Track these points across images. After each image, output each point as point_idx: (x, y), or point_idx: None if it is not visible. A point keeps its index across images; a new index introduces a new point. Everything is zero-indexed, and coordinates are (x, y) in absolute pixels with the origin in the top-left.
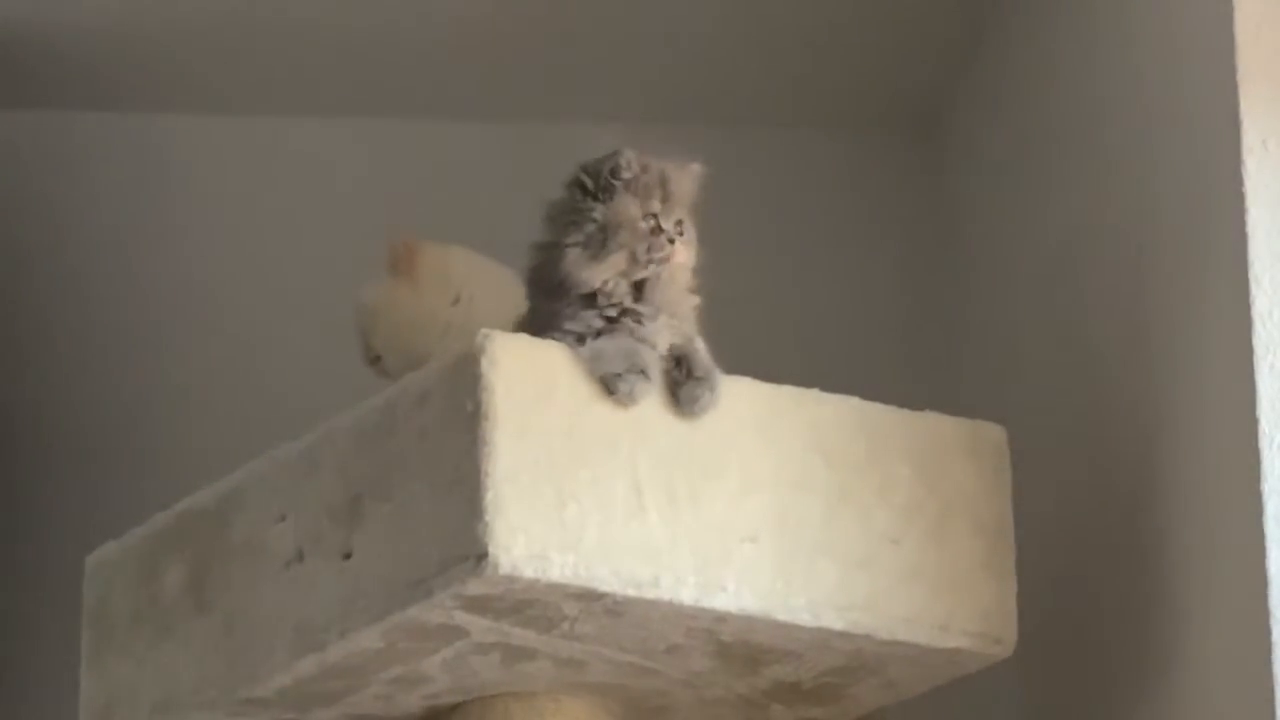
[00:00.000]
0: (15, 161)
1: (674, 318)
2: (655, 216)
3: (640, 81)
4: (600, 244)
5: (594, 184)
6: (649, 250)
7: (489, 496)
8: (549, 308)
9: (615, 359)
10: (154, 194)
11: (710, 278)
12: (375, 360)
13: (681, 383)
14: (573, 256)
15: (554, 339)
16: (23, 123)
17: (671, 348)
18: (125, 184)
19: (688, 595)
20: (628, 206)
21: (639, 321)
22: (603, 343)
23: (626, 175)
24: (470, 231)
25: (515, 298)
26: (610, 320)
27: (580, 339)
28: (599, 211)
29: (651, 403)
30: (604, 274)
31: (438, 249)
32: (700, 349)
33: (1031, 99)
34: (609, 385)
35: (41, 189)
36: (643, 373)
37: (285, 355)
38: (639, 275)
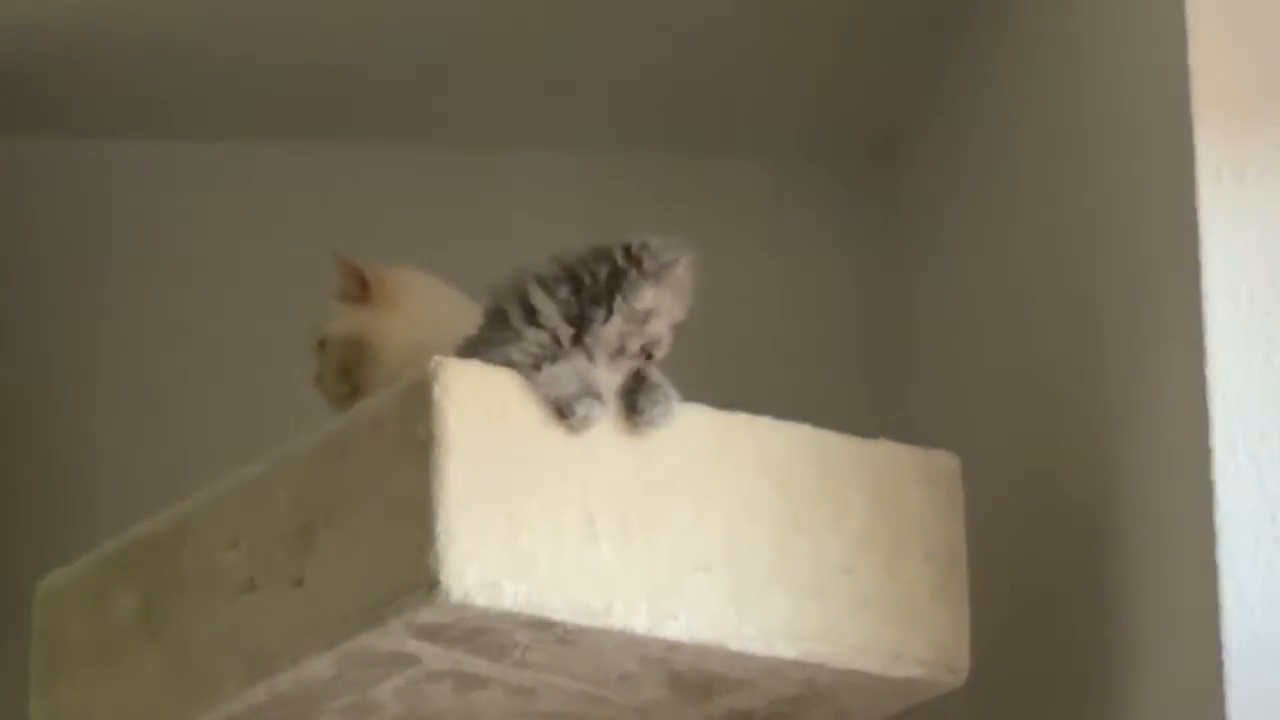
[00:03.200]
0: None
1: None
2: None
3: (596, 110)
4: (640, 324)
5: (651, 264)
6: (648, 351)
7: (441, 524)
8: (497, 334)
9: (568, 382)
10: (116, 221)
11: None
12: (352, 394)
13: (637, 392)
14: (616, 325)
15: (503, 364)
16: None
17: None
18: (81, 211)
19: (640, 624)
20: (671, 302)
21: (590, 352)
22: (557, 367)
23: (682, 277)
24: (432, 261)
25: (471, 319)
26: (560, 346)
27: (535, 365)
28: (650, 295)
29: (604, 430)
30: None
31: (412, 274)
32: (652, 369)
33: (988, 127)
34: (563, 409)
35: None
36: (597, 397)
37: (237, 382)
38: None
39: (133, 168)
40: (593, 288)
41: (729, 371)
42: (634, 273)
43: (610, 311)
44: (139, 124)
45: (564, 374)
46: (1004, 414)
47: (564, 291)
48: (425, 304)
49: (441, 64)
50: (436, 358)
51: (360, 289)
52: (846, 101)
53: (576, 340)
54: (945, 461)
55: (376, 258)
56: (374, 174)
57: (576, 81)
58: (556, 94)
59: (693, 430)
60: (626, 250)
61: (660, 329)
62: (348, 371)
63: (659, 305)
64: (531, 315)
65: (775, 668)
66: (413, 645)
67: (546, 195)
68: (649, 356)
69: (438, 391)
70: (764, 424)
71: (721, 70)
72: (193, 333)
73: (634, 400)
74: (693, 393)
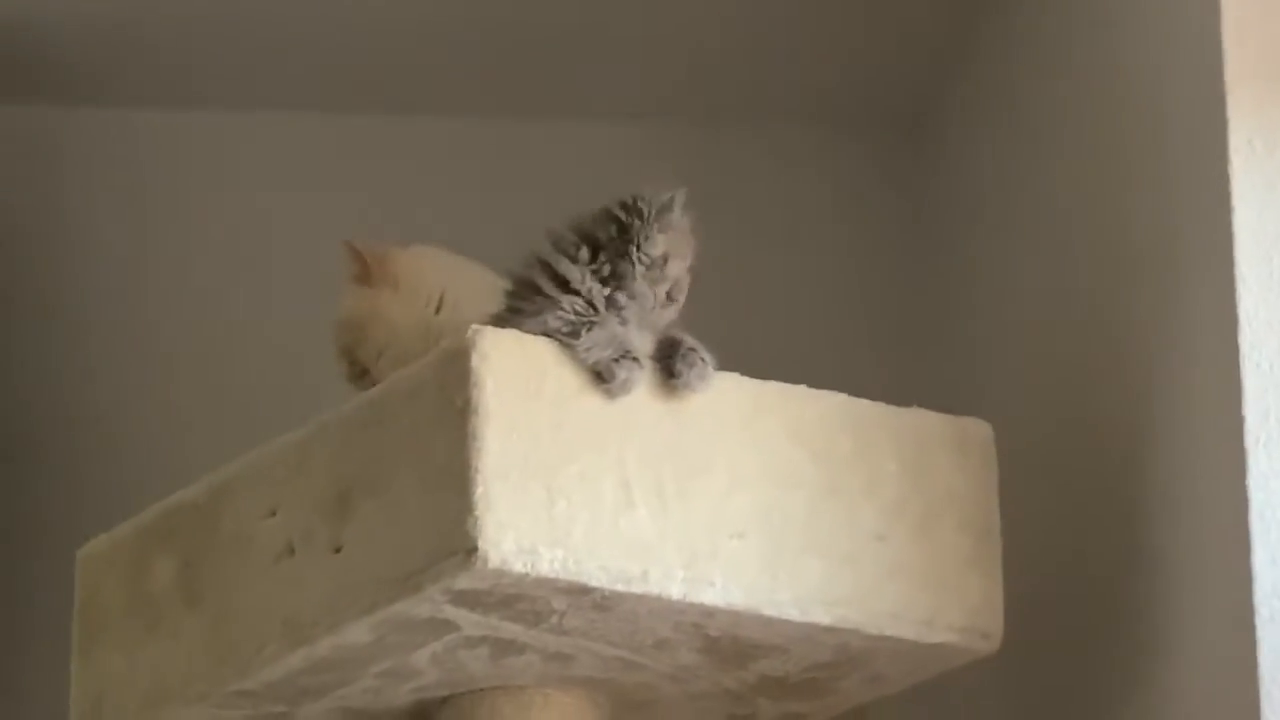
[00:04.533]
0: (5, 157)
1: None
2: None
3: (624, 80)
4: (660, 269)
5: (651, 212)
6: (679, 291)
7: (479, 492)
8: (529, 304)
9: (605, 346)
10: (149, 189)
11: (696, 275)
12: (362, 374)
13: (672, 356)
14: (639, 271)
15: (540, 333)
16: (12, 118)
17: (658, 336)
18: (115, 180)
19: (676, 590)
20: (681, 243)
21: (623, 317)
22: (594, 333)
23: (679, 214)
24: (460, 230)
25: (495, 293)
26: (595, 310)
27: (572, 332)
28: (661, 239)
29: (640, 398)
30: (654, 304)
31: (412, 252)
32: (686, 334)
33: (1018, 98)
34: (602, 374)
35: (33, 185)
36: (635, 360)
37: (278, 350)
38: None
39: (170, 136)
40: (610, 246)
41: (763, 341)
42: (638, 222)
43: (634, 264)
44: (171, 93)
45: (601, 338)
46: (1036, 381)
47: (586, 254)
48: (430, 281)
49: (469, 34)
50: (474, 326)
51: (364, 271)
52: (877, 68)
53: (610, 303)
54: (978, 429)
55: (405, 227)
56: (402, 144)
57: (602, 50)
58: (581, 62)
59: (727, 399)
60: (625, 205)
61: (678, 271)
62: (350, 352)
63: (671, 248)
64: (563, 282)
65: (809, 634)
66: (450, 611)
67: (570, 164)
68: (671, 300)
69: (475, 360)
70: (798, 392)
71: (750, 37)
72: (229, 301)
73: (670, 364)
74: (726, 362)
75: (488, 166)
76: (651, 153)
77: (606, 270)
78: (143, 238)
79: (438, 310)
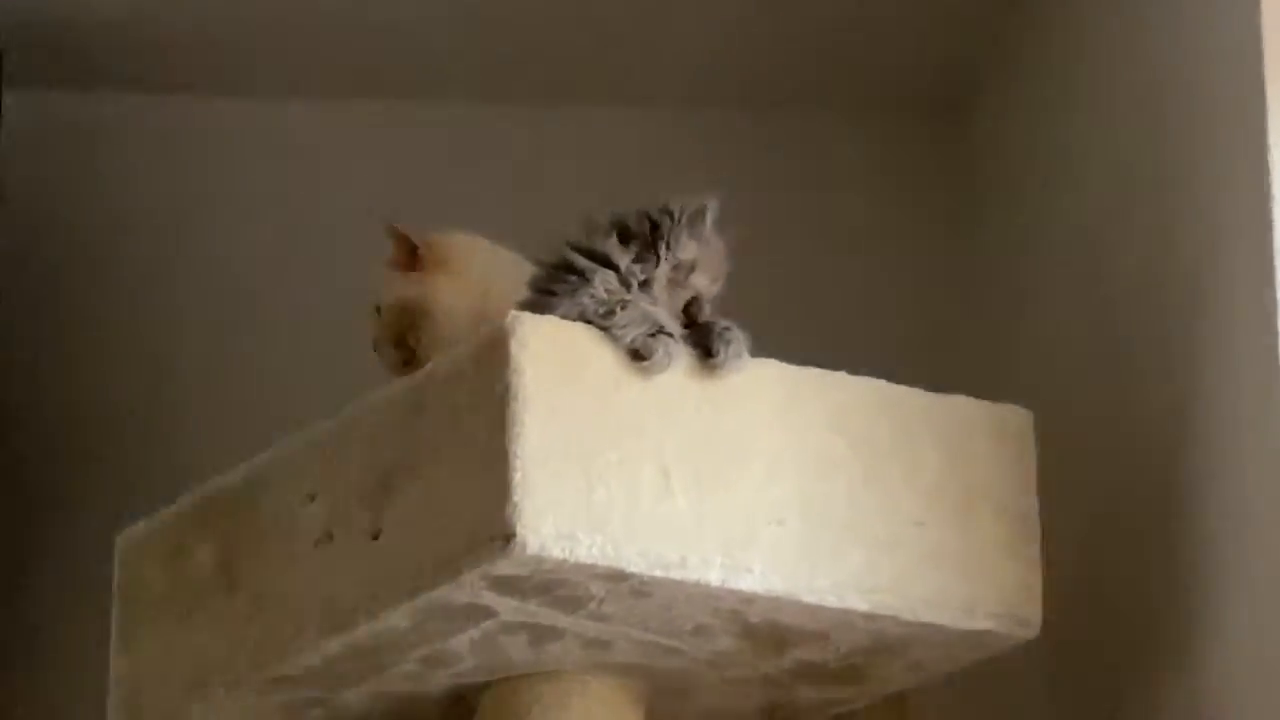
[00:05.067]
0: (37, 143)
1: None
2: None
3: (663, 65)
4: (685, 274)
5: (684, 217)
6: (701, 306)
7: (517, 477)
8: (562, 286)
9: (641, 323)
10: (179, 175)
11: (734, 261)
12: (408, 361)
13: (707, 337)
14: (664, 270)
15: (576, 315)
16: (45, 104)
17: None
18: (146, 167)
19: (714, 576)
20: (709, 255)
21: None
22: (629, 311)
23: (710, 225)
24: (494, 218)
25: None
26: (628, 290)
27: (608, 311)
28: (690, 246)
29: (678, 384)
30: (673, 309)
31: (460, 239)
32: (716, 316)
33: (1059, 80)
34: (640, 350)
35: (66, 170)
36: (672, 336)
37: (316, 336)
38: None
39: (207, 123)
40: (639, 239)
41: (801, 327)
42: (669, 223)
43: (659, 259)
44: (213, 82)
45: (635, 316)
46: (1078, 368)
47: (617, 239)
48: (477, 268)
49: (496, 19)
50: (513, 312)
51: (410, 257)
52: (915, 52)
53: (644, 285)
54: (1018, 417)
55: (441, 215)
56: (437, 130)
57: (642, 35)
58: (621, 47)
59: (766, 385)
60: (660, 206)
61: (702, 284)
62: (402, 338)
63: (699, 259)
64: (597, 260)
65: (847, 620)
66: (489, 597)
67: (612, 150)
68: (690, 315)
69: (514, 346)
70: (836, 379)
71: (790, 22)
72: (269, 286)
73: (706, 344)
74: (764, 348)
75: (514, 154)
76: (682, 140)
77: (635, 256)
78: (172, 225)
79: (482, 295)
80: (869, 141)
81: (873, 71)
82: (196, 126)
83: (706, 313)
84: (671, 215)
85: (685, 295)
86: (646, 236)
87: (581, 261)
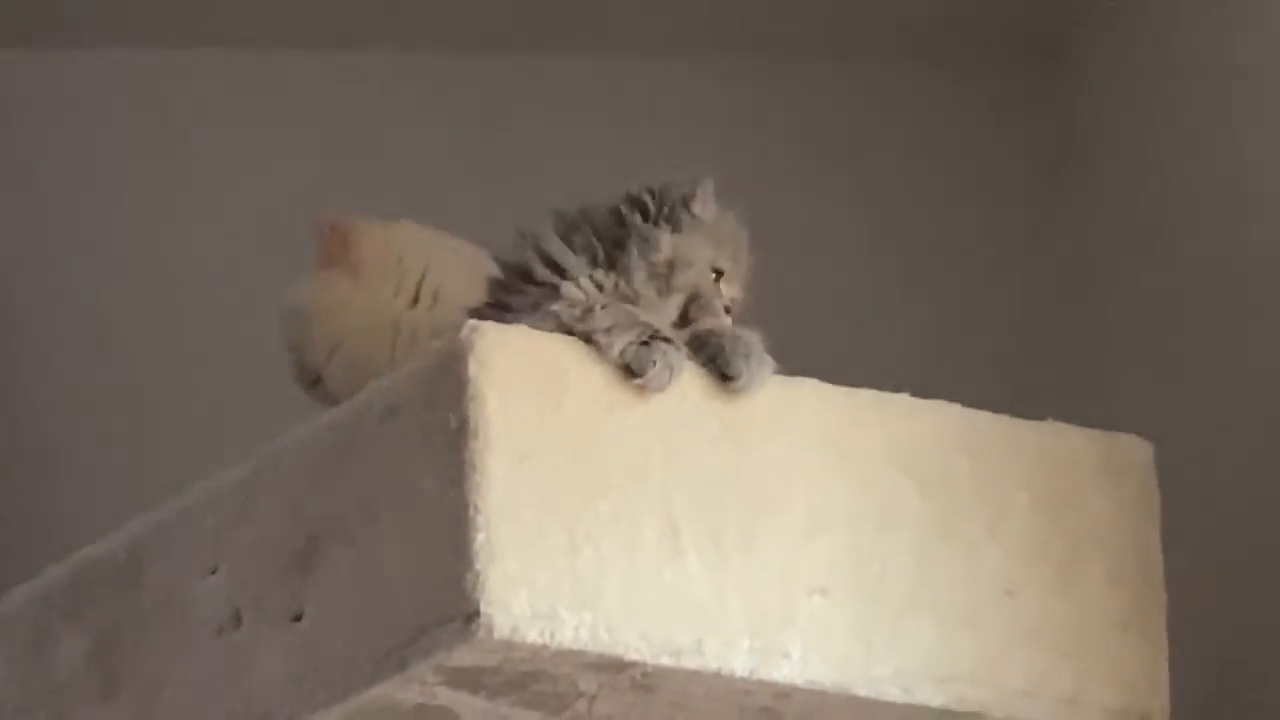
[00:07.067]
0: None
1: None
2: (721, 273)
3: (749, 10)
4: (665, 278)
5: (659, 209)
6: (705, 307)
7: (480, 539)
8: (518, 298)
9: (627, 328)
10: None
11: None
12: (315, 382)
13: (717, 352)
14: (640, 279)
15: (545, 325)
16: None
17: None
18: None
19: (740, 664)
20: (700, 247)
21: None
22: (608, 311)
23: (700, 212)
24: (484, 177)
25: (478, 277)
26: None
27: (582, 317)
28: (665, 242)
29: (690, 413)
30: (665, 316)
31: (384, 230)
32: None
33: (1169, 16)
34: (636, 364)
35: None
36: (668, 340)
37: (222, 354)
38: (685, 325)
39: (159, 75)
40: (607, 241)
41: (849, 334)
42: (639, 218)
43: (631, 268)
44: (171, 30)
45: (621, 318)
46: (1210, 386)
47: (582, 238)
48: (401, 268)
49: None
50: (471, 323)
51: (326, 251)
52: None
53: (620, 284)
54: (1135, 449)
55: (417, 179)
56: (434, 80)
57: None
58: None
59: (806, 413)
60: (630, 199)
61: (697, 279)
62: (296, 350)
63: (688, 254)
64: (556, 267)
65: (916, 718)
66: (445, 695)
67: (622, 102)
68: (687, 319)
69: (473, 367)
70: (899, 403)
71: None
72: (164, 279)
73: (717, 361)
74: (804, 364)
75: (535, 106)
76: (775, 90)
77: (602, 256)
78: (130, 175)
79: (414, 302)
80: (955, 93)
81: (958, 13)
82: (134, 81)
83: (721, 319)
84: (644, 211)
85: (677, 297)
86: (616, 239)
87: (542, 272)
